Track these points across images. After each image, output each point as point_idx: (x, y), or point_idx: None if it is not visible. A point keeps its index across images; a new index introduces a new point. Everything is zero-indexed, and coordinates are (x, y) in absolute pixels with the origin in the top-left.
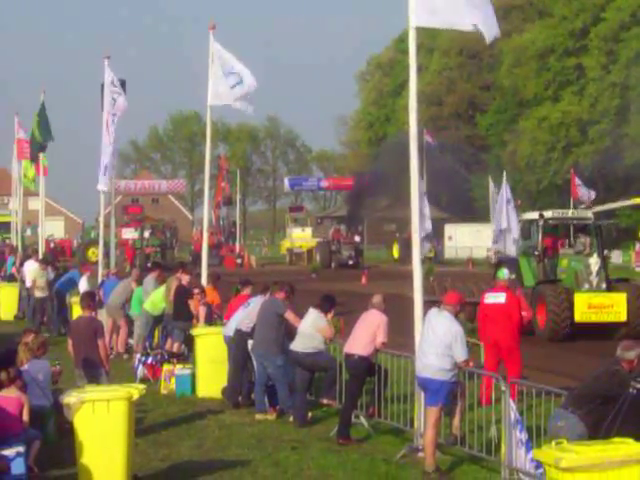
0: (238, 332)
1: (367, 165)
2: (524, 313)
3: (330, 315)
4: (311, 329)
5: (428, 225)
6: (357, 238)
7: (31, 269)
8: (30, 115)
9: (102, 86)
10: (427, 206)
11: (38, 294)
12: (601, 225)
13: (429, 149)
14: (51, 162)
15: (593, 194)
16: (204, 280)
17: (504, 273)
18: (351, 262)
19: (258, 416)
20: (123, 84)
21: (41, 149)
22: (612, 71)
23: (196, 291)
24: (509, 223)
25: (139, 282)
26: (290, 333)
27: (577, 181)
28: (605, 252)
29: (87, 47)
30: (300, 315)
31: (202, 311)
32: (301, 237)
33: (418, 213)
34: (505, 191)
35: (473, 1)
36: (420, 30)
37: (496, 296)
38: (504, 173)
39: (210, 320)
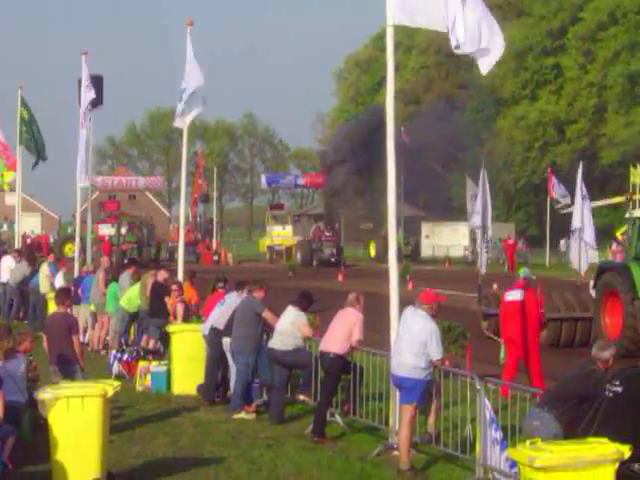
0: (213, 330)
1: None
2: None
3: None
4: (291, 327)
5: (476, 220)
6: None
7: (7, 265)
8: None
9: (79, 81)
10: (487, 201)
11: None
12: None
13: (405, 148)
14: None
15: (568, 199)
16: (180, 277)
17: (524, 271)
18: (333, 259)
19: (235, 415)
20: (100, 80)
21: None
22: (589, 71)
23: (174, 287)
24: (583, 222)
25: (115, 278)
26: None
27: (555, 182)
28: None
29: (65, 42)
30: (277, 313)
31: (180, 308)
32: (281, 235)
33: (394, 212)
34: (580, 187)
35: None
36: (398, 28)
37: (514, 294)
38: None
39: (187, 317)
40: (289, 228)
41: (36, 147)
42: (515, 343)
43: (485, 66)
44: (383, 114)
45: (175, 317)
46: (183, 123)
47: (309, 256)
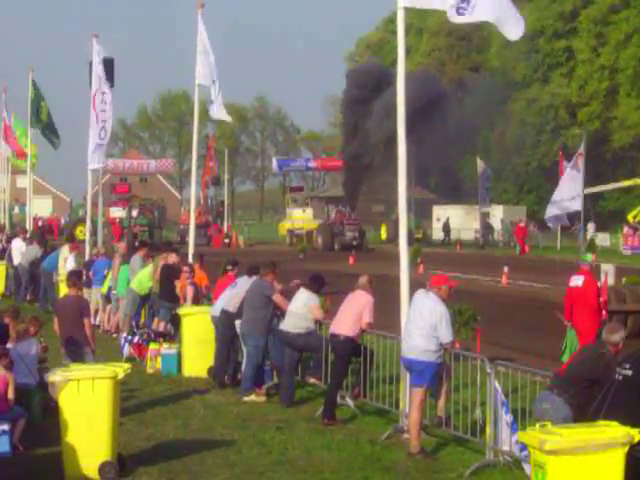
0: (225, 312)
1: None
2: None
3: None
4: (303, 309)
5: (573, 205)
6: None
7: (17, 247)
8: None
9: (90, 64)
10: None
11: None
12: None
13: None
14: (39, 141)
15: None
16: (190, 260)
17: (588, 256)
18: (355, 243)
19: (246, 397)
20: (112, 62)
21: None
22: (601, 54)
23: (185, 269)
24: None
25: (125, 261)
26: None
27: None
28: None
29: (76, 25)
30: (288, 296)
31: (189, 291)
32: (301, 218)
33: (405, 195)
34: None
35: None
36: (409, 11)
37: (576, 279)
38: None
39: (196, 300)
40: (309, 211)
41: (50, 129)
42: (576, 328)
43: (514, 33)
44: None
45: (185, 300)
46: (225, 115)
47: (330, 240)
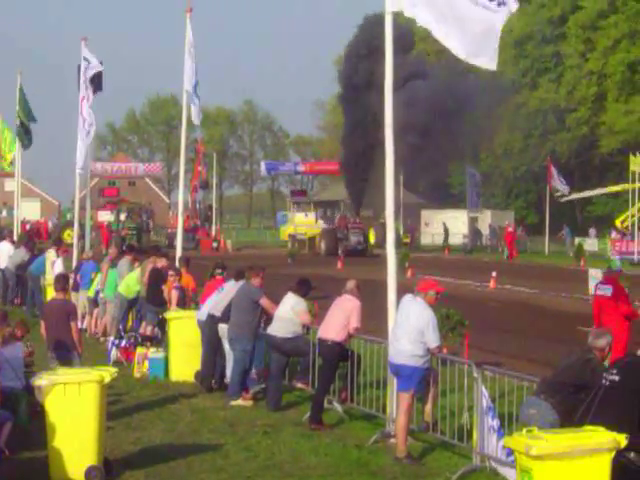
0: (211, 317)
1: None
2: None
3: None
4: (291, 313)
5: None
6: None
7: (4, 250)
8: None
9: (79, 67)
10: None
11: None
12: None
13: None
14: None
15: (567, 189)
16: (177, 264)
17: (616, 264)
18: (360, 248)
19: (233, 402)
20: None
21: (27, 132)
22: (590, 59)
23: (170, 273)
24: None
25: (113, 265)
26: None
27: (554, 171)
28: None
29: (65, 28)
30: (275, 300)
31: (174, 295)
32: (304, 223)
33: (392, 199)
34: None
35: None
36: (398, 16)
37: (605, 288)
38: None
39: (183, 304)
40: (312, 215)
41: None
42: None
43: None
44: None
45: (170, 303)
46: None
47: (334, 245)
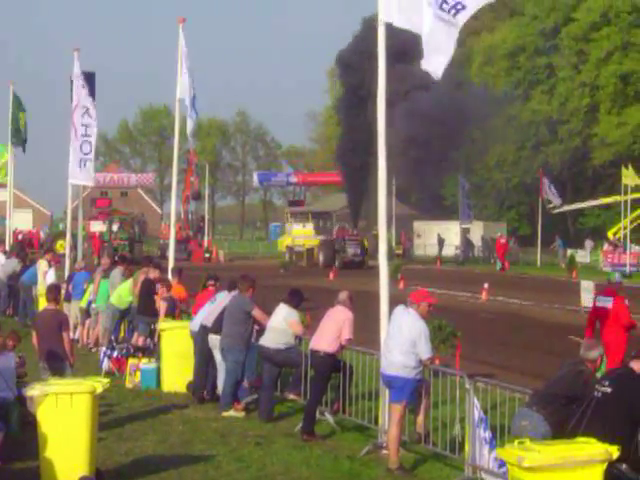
0: (203, 327)
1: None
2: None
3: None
4: (283, 324)
5: None
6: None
7: None
8: None
9: (71, 78)
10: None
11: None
12: None
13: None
14: (19, 153)
15: (559, 200)
16: (169, 274)
17: (615, 276)
18: (357, 259)
19: (225, 413)
20: (93, 76)
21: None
22: (582, 71)
23: (158, 285)
24: None
25: (105, 275)
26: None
27: (546, 183)
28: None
29: (58, 38)
30: (267, 311)
31: (162, 306)
32: (302, 234)
33: (384, 210)
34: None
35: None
36: (389, 26)
37: (605, 300)
38: None
39: (173, 314)
40: (310, 226)
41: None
42: (607, 349)
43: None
44: None
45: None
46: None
47: (331, 257)
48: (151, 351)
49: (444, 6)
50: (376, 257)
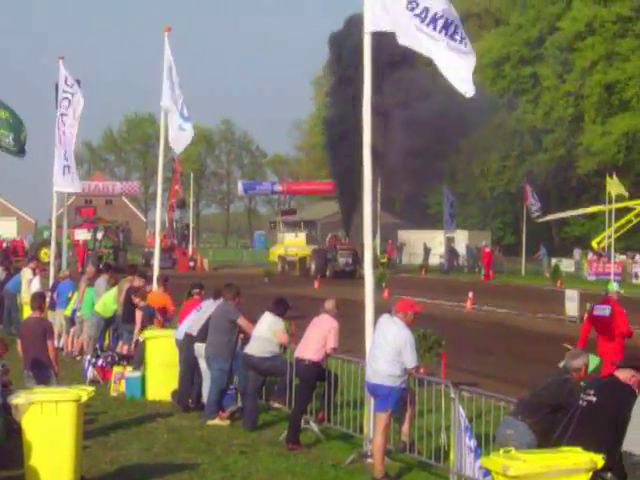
0: (188, 336)
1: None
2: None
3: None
4: (268, 333)
5: None
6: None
7: None
8: None
9: (56, 85)
10: None
11: None
12: None
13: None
14: (3, 161)
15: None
16: (155, 283)
17: (613, 286)
18: (348, 269)
19: (209, 421)
20: (78, 84)
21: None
22: (567, 80)
23: (133, 296)
24: None
25: (90, 284)
26: (245, 338)
27: (529, 190)
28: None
29: (42, 46)
30: (252, 320)
31: (138, 315)
32: (294, 244)
33: (369, 219)
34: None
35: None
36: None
37: (602, 308)
38: None
39: (151, 323)
40: (302, 236)
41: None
42: (604, 358)
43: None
44: None
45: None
46: (180, 146)
47: (323, 266)
48: (130, 359)
49: (455, 37)
50: (362, 266)
